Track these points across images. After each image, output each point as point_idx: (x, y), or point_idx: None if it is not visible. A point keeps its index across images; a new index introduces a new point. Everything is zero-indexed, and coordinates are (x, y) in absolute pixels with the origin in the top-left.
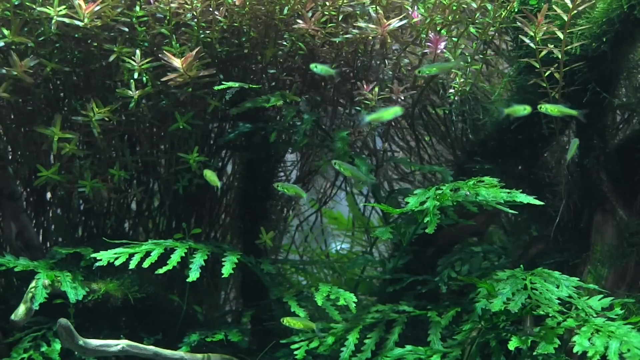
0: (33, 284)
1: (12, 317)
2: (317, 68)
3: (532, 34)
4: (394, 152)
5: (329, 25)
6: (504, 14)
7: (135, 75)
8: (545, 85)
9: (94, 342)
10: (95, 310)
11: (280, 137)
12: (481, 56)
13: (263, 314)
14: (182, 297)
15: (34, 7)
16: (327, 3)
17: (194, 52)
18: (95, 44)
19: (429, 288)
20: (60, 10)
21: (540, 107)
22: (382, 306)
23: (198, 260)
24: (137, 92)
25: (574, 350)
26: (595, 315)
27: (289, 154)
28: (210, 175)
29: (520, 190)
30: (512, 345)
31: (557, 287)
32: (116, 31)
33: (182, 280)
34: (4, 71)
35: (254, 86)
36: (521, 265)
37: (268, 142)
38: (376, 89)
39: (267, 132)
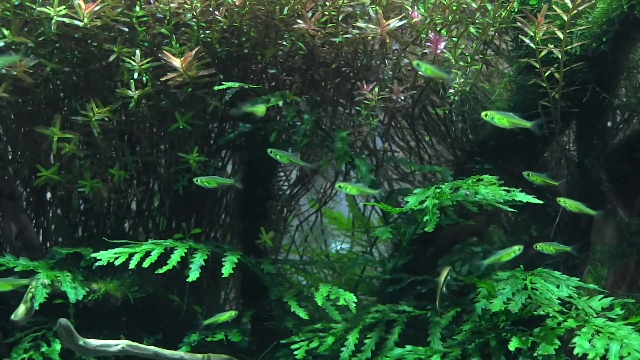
0: (33, 283)
1: (12, 317)
2: None
3: (532, 34)
4: (394, 152)
5: (329, 25)
6: (504, 14)
7: (135, 75)
8: (545, 85)
9: (94, 342)
10: (95, 310)
11: (280, 137)
12: (481, 56)
13: (263, 314)
14: (182, 297)
15: (34, 7)
16: (327, 3)
17: (193, 52)
18: (95, 44)
19: (429, 288)
20: (60, 10)
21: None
22: (382, 306)
23: (198, 260)
24: (137, 92)
25: (575, 352)
26: (595, 316)
27: None
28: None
29: (520, 189)
30: (512, 345)
31: (557, 287)
32: (116, 31)
33: (182, 280)
34: (3, 71)
35: (254, 86)
36: (521, 265)
37: (268, 142)
38: (376, 89)
39: (267, 132)
